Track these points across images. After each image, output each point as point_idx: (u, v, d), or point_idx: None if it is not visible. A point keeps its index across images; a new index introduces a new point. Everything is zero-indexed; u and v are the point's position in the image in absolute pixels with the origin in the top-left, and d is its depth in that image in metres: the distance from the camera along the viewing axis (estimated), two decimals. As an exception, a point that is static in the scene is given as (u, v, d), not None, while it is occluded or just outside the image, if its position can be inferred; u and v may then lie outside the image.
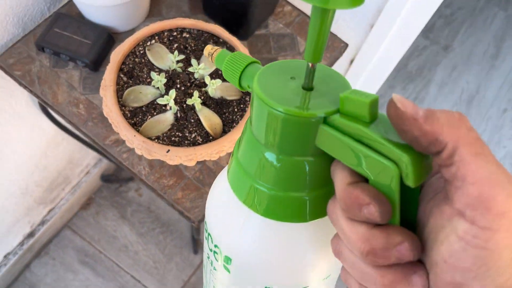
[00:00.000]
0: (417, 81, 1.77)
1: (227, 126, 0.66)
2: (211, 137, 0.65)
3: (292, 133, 0.23)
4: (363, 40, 0.96)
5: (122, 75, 0.68)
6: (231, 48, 0.71)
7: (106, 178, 1.46)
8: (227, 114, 0.67)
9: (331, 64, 0.89)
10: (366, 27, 0.93)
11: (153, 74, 0.64)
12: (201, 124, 0.65)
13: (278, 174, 0.24)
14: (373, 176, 0.20)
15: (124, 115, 0.65)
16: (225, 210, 0.28)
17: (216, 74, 0.70)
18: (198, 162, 0.69)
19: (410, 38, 0.95)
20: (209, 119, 0.65)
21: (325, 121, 0.22)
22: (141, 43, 0.70)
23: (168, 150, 0.62)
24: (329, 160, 0.23)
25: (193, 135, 0.65)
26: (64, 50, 0.79)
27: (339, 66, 1.08)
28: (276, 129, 0.23)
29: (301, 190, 0.25)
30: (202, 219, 0.76)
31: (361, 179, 0.21)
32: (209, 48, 0.31)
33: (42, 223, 1.33)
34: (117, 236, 1.45)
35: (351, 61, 1.03)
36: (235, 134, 0.64)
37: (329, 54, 0.89)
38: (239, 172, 0.26)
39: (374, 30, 0.92)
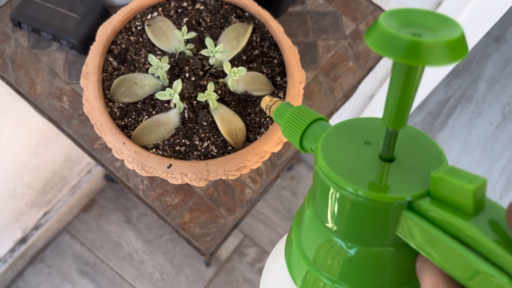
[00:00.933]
0: (464, 76, 1.56)
1: (253, 132, 0.48)
2: (229, 147, 0.47)
3: (366, 219, 0.19)
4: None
5: (111, 59, 0.50)
6: (260, 27, 0.53)
7: (110, 178, 1.30)
8: (252, 115, 0.49)
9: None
10: (432, 6, 0.73)
11: (152, 58, 0.46)
12: (217, 129, 0.47)
13: (346, 266, 0.21)
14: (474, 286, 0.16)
15: (112, 113, 0.47)
16: None
17: (239, 60, 0.51)
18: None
19: (481, 30, 0.75)
20: (227, 121, 0.47)
21: (410, 205, 0.18)
22: (138, 16, 0.52)
23: (170, 165, 0.44)
24: (414, 252, 0.19)
25: (206, 144, 0.47)
26: (46, 26, 0.62)
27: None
28: (345, 212, 0.19)
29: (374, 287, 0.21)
30: (215, 251, 0.58)
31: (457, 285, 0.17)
32: (267, 100, 0.30)
33: (36, 227, 1.18)
34: (121, 243, 1.29)
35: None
36: (264, 143, 0.46)
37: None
38: (298, 254, 0.23)
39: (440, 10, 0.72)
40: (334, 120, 0.84)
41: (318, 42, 0.69)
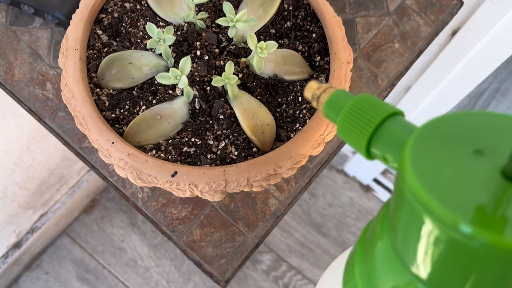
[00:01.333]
0: (499, 67, 1.43)
1: (285, 129, 0.36)
2: (254, 149, 0.35)
3: (479, 270, 0.13)
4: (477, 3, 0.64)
5: (99, 32, 0.38)
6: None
7: (113, 177, 1.19)
8: (284, 106, 0.37)
9: (434, 33, 0.58)
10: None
11: (152, 27, 0.34)
12: (238, 124, 0.36)
13: None
14: None
15: (99, 102, 0.36)
16: None
17: (266, 34, 0.40)
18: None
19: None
20: (252, 114, 0.35)
21: None
22: (136, -23, 0.40)
23: (175, 173, 0.32)
24: None
25: (223, 144, 0.35)
26: (26, -3, 0.51)
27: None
28: (446, 259, 0.14)
29: None
30: (231, 277, 0.46)
31: None
32: (314, 87, 0.22)
33: (32, 231, 1.08)
34: (125, 248, 1.19)
35: (453, 33, 0.71)
36: (300, 144, 0.34)
37: (434, 16, 0.57)
38: None
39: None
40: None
41: (357, 20, 0.57)
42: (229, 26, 0.36)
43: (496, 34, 0.65)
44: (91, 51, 0.37)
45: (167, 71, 0.35)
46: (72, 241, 1.19)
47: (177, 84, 0.34)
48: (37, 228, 1.08)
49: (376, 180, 1.23)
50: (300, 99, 0.37)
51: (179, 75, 0.33)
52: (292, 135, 0.35)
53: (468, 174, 0.14)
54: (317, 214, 1.24)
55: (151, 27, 0.34)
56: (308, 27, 0.40)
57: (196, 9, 0.39)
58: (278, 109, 0.37)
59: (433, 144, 0.15)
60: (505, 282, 0.13)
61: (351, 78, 0.53)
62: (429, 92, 0.83)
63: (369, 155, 0.19)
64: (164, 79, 0.33)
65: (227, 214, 0.47)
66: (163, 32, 0.35)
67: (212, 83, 0.35)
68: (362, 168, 1.19)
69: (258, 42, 0.35)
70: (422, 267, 0.15)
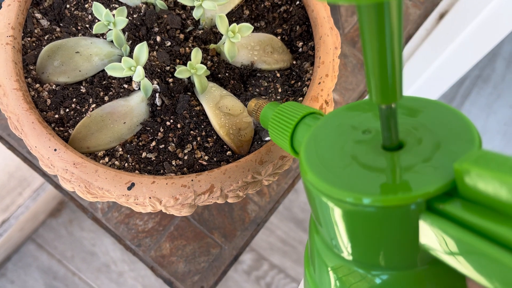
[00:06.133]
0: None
1: (262, 128, 0.31)
2: (228, 152, 0.30)
3: (383, 235, 0.14)
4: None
5: (38, 15, 0.32)
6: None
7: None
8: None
9: (424, 16, 0.53)
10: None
11: (98, 7, 0.28)
12: (208, 123, 0.30)
13: None
14: None
15: (38, 100, 0.29)
16: None
17: (239, 16, 0.34)
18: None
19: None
20: (224, 110, 0.30)
21: (430, 206, 0.13)
22: (82, -50, 0.34)
23: (132, 184, 0.26)
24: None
25: (190, 148, 0.30)
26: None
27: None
28: (356, 232, 0.15)
29: None
30: (207, 295, 0.41)
31: None
32: (252, 105, 0.25)
33: (-7, 238, 0.99)
34: (96, 252, 1.12)
35: (441, 17, 0.66)
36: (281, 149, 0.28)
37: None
38: None
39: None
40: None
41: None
42: (194, 6, 0.30)
43: (486, 16, 0.61)
44: (29, 38, 0.31)
45: (121, 61, 0.29)
46: (39, 247, 1.12)
47: (132, 77, 0.28)
48: (-1, 235, 1.00)
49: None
50: (280, 90, 0.32)
51: (134, 66, 0.27)
52: (272, 135, 0.30)
53: (357, 153, 0.16)
54: (299, 210, 1.19)
55: (98, 8, 0.28)
56: (288, 7, 0.34)
57: (156, -13, 0.33)
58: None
59: (327, 134, 0.17)
60: (407, 236, 0.14)
61: (336, 67, 0.48)
62: (415, 80, 0.79)
63: (296, 153, 0.21)
64: (115, 70, 0.27)
65: (200, 223, 0.41)
66: (114, 14, 0.29)
67: (176, 75, 0.29)
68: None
69: (229, 25, 0.29)
70: (344, 248, 0.16)
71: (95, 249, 1.13)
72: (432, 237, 0.13)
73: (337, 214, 0.15)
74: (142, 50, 0.27)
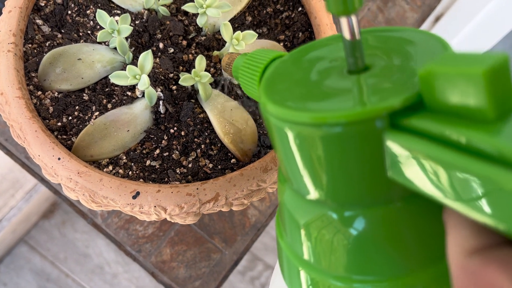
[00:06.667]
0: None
1: (268, 136, 0.31)
2: (233, 159, 0.30)
3: (348, 161, 0.13)
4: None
5: (39, 22, 0.31)
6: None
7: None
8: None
9: (421, 19, 0.53)
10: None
11: (102, 15, 0.28)
12: (212, 130, 0.30)
13: (354, 247, 0.15)
14: None
15: (40, 108, 0.29)
16: None
17: (242, 23, 0.34)
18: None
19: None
20: (228, 118, 0.30)
21: (395, 123, 0.12)
22: (83, -45, 0.33)
23: (137, 193, 0.26)
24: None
25: (194, 156, 0.30)
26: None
27: None
28: (319, 160, 0.14)
29: (392, 274, 0.15)
30: (208, 301, 0.41)
31: (499, 239, 0.10)
32: (226, 59, 0.25)
33: (-15, 241, 0.98)
34: (90, 254, 1.11)
35: (436, 19, 0.67)
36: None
37: (420, 1, 0.53)
38: (291, 259, 0.17)
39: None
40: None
41: (338, 5, 0.51)
42: (198, 13, 0.30)
43: (482, 20, 0.62)
44: (30, 45, 0.31)
45: (124, 68, 0.29)
46: (31, 249, 1.11)
47: (136, 85, 0.28)
48: (-9, 238, 0.99)
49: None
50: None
51: (139, 74, 0.27)
52: (276, 142, 0.30)
53: (320, 78, 0.15)
54: (293, 210, 1.19)
55: (102, 15, 0.28)
56: (290, 13, 0.34)
57: (158, -7, 0.33)
58: (259, 111, 0.31)
59: (291, 67, 0.16)
60: (374, 162, 0.13)
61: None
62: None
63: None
64: (120, 79, 0.27)
65: (201, 229, 0.41)
66: (117, 21, 0.29)
67: (180, 82, 0.29)
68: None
69: (234, 33, 0.29)
70: (313, 188, 0.15)
71: (88, 251, 1.12)
72: (399, 160, 0.12)
73: (300, 143, 0.14)
74: (147, 58, 0.27)
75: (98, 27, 0.32)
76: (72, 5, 0.32)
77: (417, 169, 0.12)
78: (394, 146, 0.12)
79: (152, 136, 0.30)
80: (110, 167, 0.28)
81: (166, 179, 0.28)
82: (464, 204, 0.11)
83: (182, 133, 0.30)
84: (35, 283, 1.09)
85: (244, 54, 0.22)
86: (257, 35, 0.29)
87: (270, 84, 0.16)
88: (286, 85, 0.15)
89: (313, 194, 0.15)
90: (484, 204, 0.10)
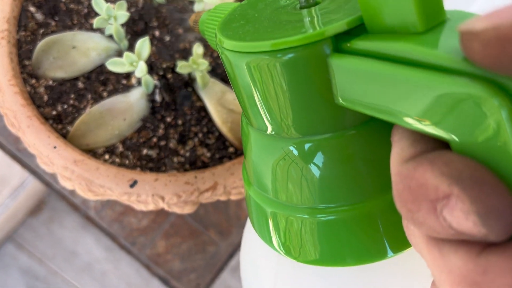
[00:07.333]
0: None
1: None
2: (231, 148, 0.30)
3: (298, 88, 0.14)
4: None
5: (32, 9, 0.31)
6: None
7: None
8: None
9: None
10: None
11: (99, 3, 0.27)
12: (210, 119, 0.30)
13: (308, 177, 0.15)
14: (456, 133, 0.10)
15: (35, 97, 0.29)
16: (255, 270, 0.21)
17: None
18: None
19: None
20: (226, 107, 0.30)
21: (339, 48, 0.13)
22: None
23: (135, 182, 0.26)
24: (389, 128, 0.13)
25: (191, 144, 0.29)
26: None
27: None
28: (270, 88, 0.15)
29: (361, 198, 0.15)
30: (204, 293, 0.41)
31: (434, 145, 0.11)
32: (193, 17, 0.24)
33: (-29, 239, 0.97)
34: (79, 251, 1.10)
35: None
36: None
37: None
38: (258, 203, 0.18)
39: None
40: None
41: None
42: (194, 1, 0.30)
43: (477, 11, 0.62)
44: (23, 32, 0.30)
45: (120, 55, 0.29)
46: (19, 247, 1.09)
47: (132, 72, 0.27)
48: (-23, 236, 0.98)
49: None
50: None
51: (136, 61, 0.27)
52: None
53: (273, 15, 0.16)
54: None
55: (98, 2, 0.27)
56: None
57: (153, -19, 0.32)
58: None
59: (247, 9, 0.17)
60: (322, 88, 0.14)
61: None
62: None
63: None
64: (116, 66, 0.27)
65: (196, 221, 0.41)
66: (113, 8, 0.28)
67: (177, 70, 0.29)
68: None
69: None
70: (270, 121, 0.15)
71: (77, 248, 1.11)
72: (344, 84, 0.13)
73: (256, 75, 0.15)
74: (144, 45, 0.27)
75: (93, 14, 0.31)
76: (66, -7, 0.32)
77: (360, 89, 0.12)
78: (338, 69, 0.13)
79: (149, 125, 0.29)
80: (107, 156, 0.28)
81: (163, 168, 0.28)
82: (403, 114, 0.11)
83: (179, 121, 0.30)
84: (23, 282, 1.07)
85: (209, 10, 0.23)
86: (255, 23, 0.29)
87: (226, 24, 0.17)
88: (241, 23, 0.16)
89: (272, 127, 0.16)
90: (420, 109, 0.11)
